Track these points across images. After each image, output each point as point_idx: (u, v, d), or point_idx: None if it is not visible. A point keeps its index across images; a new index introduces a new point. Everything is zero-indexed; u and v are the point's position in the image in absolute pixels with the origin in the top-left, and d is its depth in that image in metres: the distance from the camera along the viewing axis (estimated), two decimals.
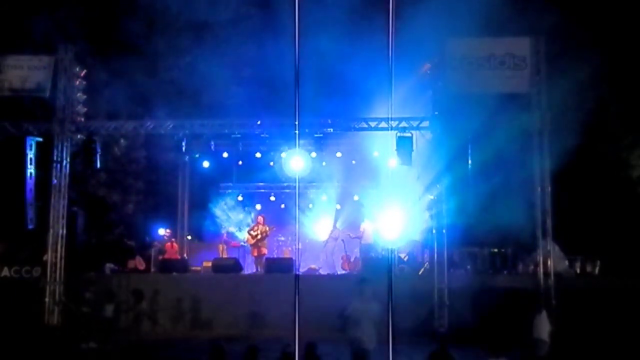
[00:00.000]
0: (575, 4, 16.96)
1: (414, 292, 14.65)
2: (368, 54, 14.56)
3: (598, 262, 16.15)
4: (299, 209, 17.70)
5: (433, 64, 15.77)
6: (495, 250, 16.54)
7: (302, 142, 18.56)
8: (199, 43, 19.12)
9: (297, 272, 17.45)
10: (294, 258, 17.66)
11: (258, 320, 15.23)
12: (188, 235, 20.83)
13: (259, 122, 16.56)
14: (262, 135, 17.07)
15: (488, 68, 15.21)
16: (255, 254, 18.40)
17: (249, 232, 18.84)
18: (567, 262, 15.96)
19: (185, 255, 19.59)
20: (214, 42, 18.22)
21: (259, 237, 18.41)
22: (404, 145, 15.13)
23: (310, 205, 20.74)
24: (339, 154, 19.34)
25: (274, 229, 18.82)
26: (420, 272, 16.38)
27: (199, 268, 17.96)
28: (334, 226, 19.59)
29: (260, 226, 18.64)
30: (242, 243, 19.38)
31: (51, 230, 15.86)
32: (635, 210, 17.17)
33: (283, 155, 19.64)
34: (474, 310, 14.54)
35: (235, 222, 20.66)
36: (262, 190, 21.60)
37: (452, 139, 15.28)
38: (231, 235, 20.25)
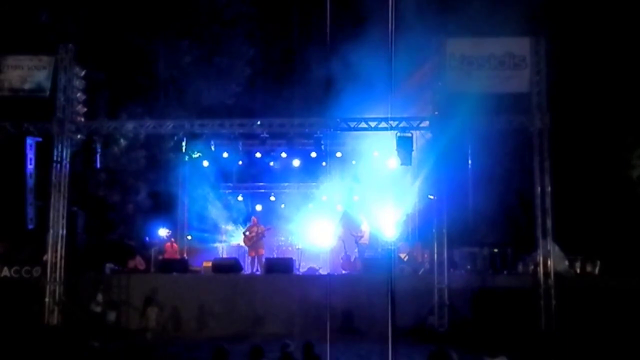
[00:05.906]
0: (575, 3, 16.97)
1: (414, 292, 14.64)
2: (368, 54, 14.56)
3: (598, 262, 16.16)
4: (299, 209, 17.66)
5: (433, 63, 15.76)
6: (495, 250, 16.54)
7: (302, 142, 18.62)
8: (198, 43, 19.12)
9: (297, 272, 17.52)
10: (293, 258, 17.68)
11: (258, 320, 15.22)
12: (188, 235, 20.83)
13: (259, 122, 16.56)
14: (262, 135, 17.05)
15: (488, 68, 15.21)
16: (253, 254, 18.38)
17: (244, 234, 18.80)
18: (567, 262, 15.96)
19: (185, 255, 19.58)
20: (213, 41, 18.23)
21: (254, 238, 18.37)
22: (404, 145, 15.11)
23: (310, 205, 20.73)
24: (339, 154, 19.34)
25: (269, 228, 18.78)
26: (420, 273, 16.38)
27: (199, 268, 17.96)
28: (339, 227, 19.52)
29: (255, 227, 18.61)
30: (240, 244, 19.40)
31: (51, 230, 15.83)
32: (635, 210, 17.17)
33: (283, 155, 19.70)
34: (474, 310, 14.55)
35: (235, 222, 20.66)
36: (262, 190, 21.60)
37: (452, 139, 15.27)
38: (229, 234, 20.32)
